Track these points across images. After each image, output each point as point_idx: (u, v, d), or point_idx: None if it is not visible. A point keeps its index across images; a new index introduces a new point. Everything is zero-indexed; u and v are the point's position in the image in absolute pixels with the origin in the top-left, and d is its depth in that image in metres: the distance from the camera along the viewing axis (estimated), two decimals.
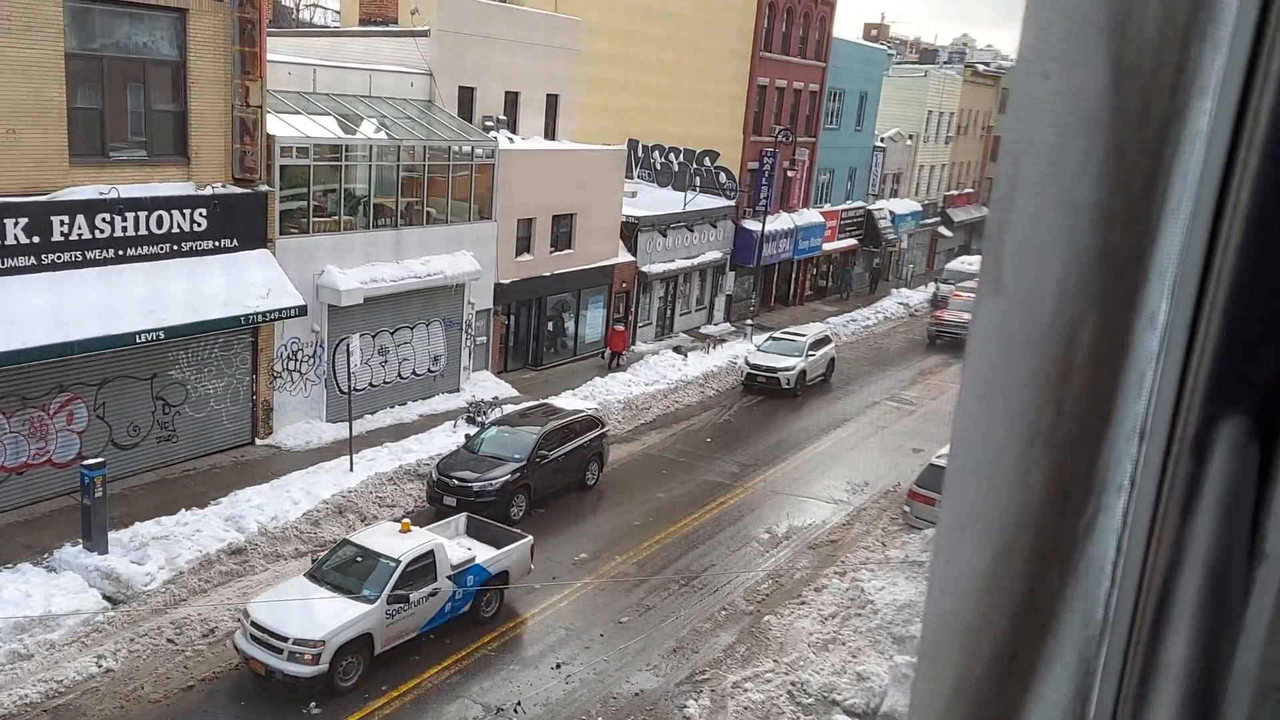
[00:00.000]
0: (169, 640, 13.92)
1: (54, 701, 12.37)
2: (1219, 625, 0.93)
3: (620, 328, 31.59)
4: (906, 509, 19.96)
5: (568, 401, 23.18)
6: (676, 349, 32.14)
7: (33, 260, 16.64)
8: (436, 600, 14.33)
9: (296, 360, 22.20)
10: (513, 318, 29.03)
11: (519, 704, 13.28)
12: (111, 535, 15.46)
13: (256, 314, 19.78)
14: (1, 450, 16.91)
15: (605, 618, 15.78)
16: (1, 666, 12.71)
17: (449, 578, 14.51)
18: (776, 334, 31.52)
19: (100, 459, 15.97)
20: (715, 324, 37.93)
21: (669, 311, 35.73)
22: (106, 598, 14.45)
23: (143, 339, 17.73)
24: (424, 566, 14.12)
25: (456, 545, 15.51)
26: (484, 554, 15.53)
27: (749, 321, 36.45)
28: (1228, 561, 0.84)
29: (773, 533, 19.67)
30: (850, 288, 46.15)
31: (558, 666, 14.34)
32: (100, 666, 13.10)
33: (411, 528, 15.22)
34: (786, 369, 28.89)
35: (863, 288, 47.07)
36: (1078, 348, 0.97)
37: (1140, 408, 1.09)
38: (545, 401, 22.84)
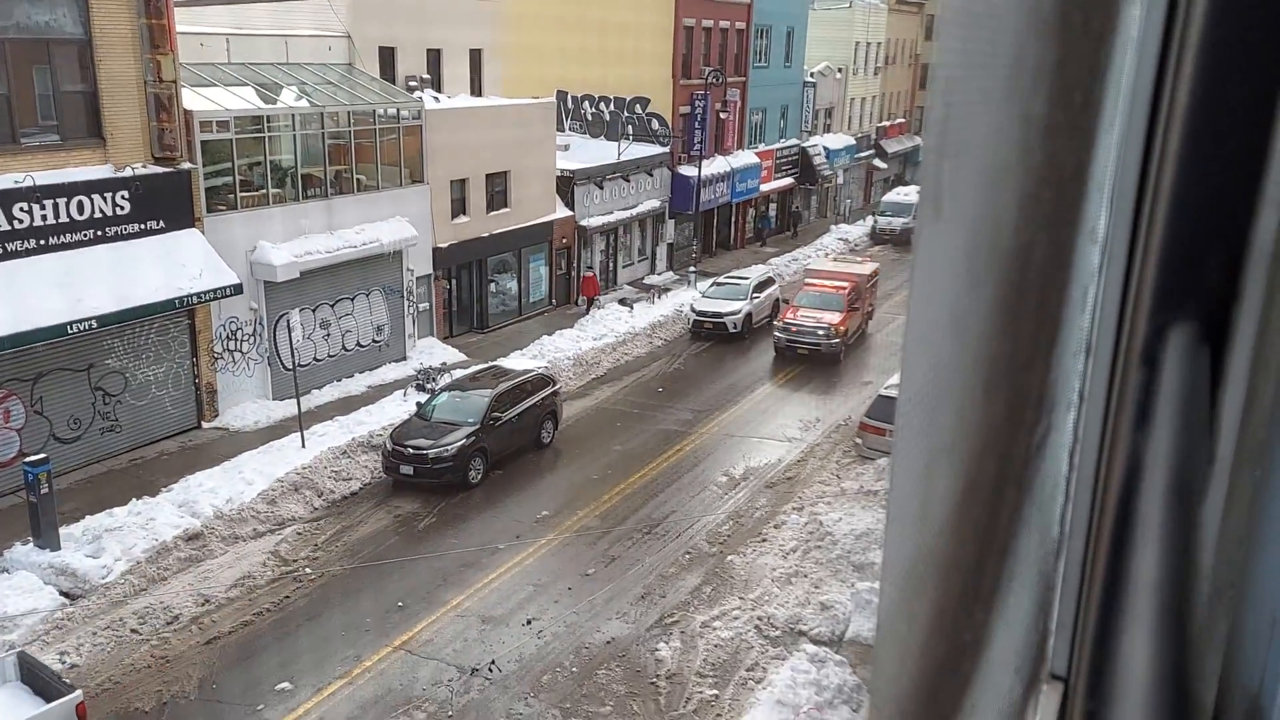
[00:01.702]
0: (133, 630, 13.77)
1: None
2: (1179, 530, 0.95)
3: (590, 274, 32.41)
4: (859, 441, 20.35)
5: (517, 362, 23.12)
6: (622, 301, 32.12)
7: None
8: None
9: (236, 340, 21.79)
10: (454, 282, 28.73)
11: (493, 662, 13.40)
12: (63, 530, 15.17)
13: (191, 295, 19.34)
14: None
15: (572, 571, 15.93)
16: None
17: None
18: (720, 279, 31.64)
19: (42, 455, 15.59)
20: (659, 274, 37.94)
21: (611, 264, 35.63)
22: (63, 594, 14.22)
23: (74, 329, 17.26)
24: None
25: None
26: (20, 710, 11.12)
27: (692, 269, 36.52)
28: (1187, 467, 0.85)
29: (730, 475, 19.93)
30: (796, 226, 46.33)
31: (528, 623, 14.48)
32: (64, 663, 12.92)
33: None
34: (732, 313, 29.06)
35: (806, 225, 47.30)
36: (1025, 268, 0.98)
37: (1085, 323, 1.11)
38: (495, 364, 22.75)
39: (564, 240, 32.68)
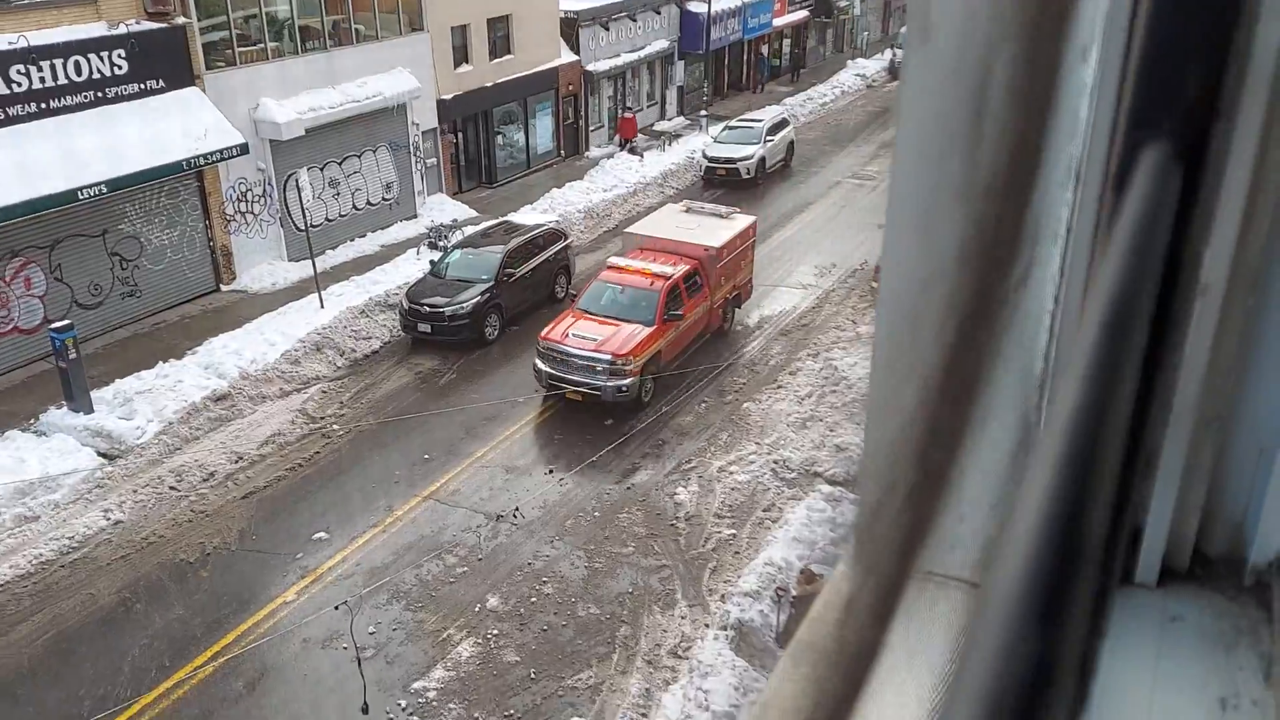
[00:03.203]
0: (171, 487, 14.33)
1: (69, 557, 12.85)
2: (1162, 363, 0.95)
3: (630, 115, 32.39)
4: (875, 285, 20.36)
5: (528, 216, 22.97)
6: (631, 149, 31.55)
7: None
8: None
9: (247, 201, 21.69)
10: (460, 135, 28.22)
11: (517, 509, 13.92)
12: (94, 394, 15.58)
13: (197, 157, 19.15)
14: None
15: (591, 421, 16.31)
16: (11, 530, 13.11)
17: None
18: (732, 123, 30.92)
19: (67, 321, 15.85)
20: (669, 119, 37.07)
21: (620, 111, 34.81)
22: (101, 454, 14.73)
23: (84, 195, 17.21)
24: None
25: None
26: None
27: (703, 112, 35.64)
28: (1168, 298, 0.83)
29: (744, 324, 20.07)
30: (798, 69, 44.79)
31: (550, 471, 14.95)
32: (108, 519, 13.53)
33: None
34: (745, 158, 28.53)
35: (820, 61, 45.73)
36: (1010, 91, 0.95)
37: (1075, 149, 1.08)
38: (505, 219, 22.60)
39: (570, 87, 31.83)
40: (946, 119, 0.96)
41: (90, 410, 15.37)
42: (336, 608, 11.02)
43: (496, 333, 19.23)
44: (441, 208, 26.17)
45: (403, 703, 10.66)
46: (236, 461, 15.04)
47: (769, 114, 31.40)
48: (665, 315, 16.67)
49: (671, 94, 37.53)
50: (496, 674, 11.10)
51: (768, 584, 12.13)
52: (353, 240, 23.95)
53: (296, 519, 13.86)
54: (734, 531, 13.57)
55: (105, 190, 17.55)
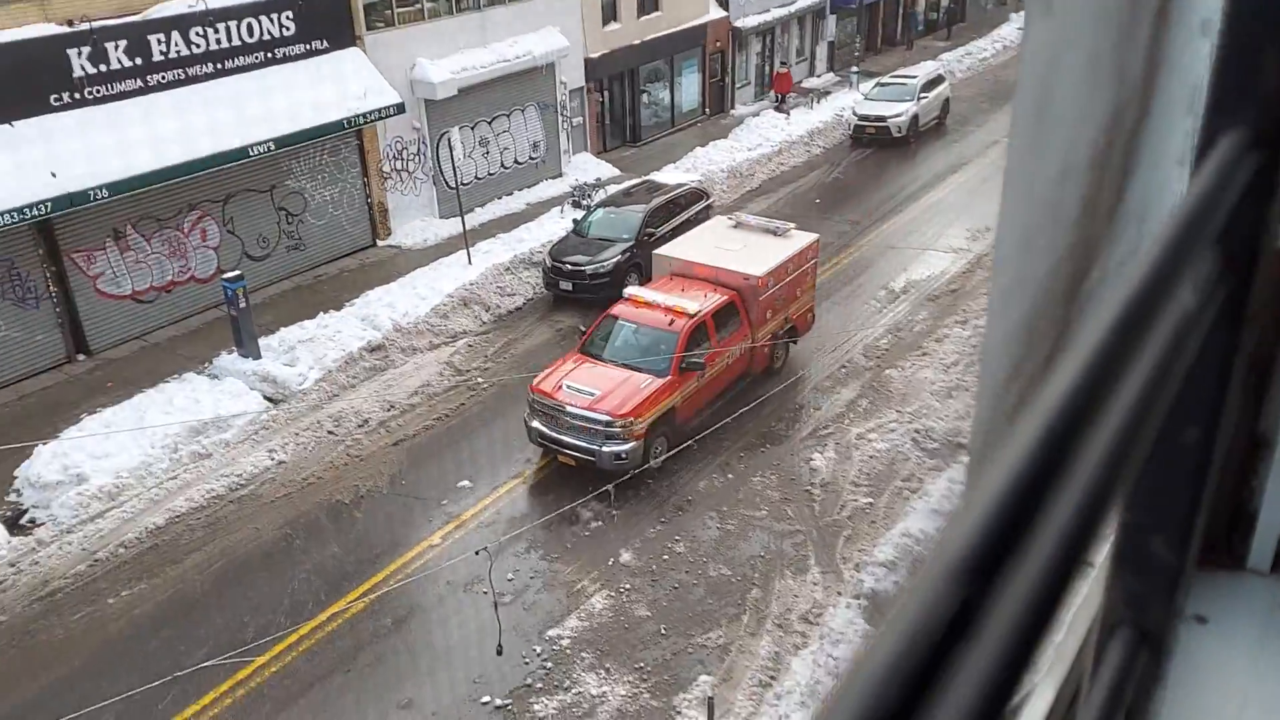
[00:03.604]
0: (329, 432, 15.14)
1: (238, 493, 13.80)
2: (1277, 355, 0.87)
3: (785, 69, 31.97)
4: None
5: (670, 175, 22.92)
6: (778, 108, 30.98)
7: (139, 83, 16.99)
8: None
9: (403, 159, 22.47)
10: (606, 94, 28.33)
11: (651, 463, 14.07)
12: (261, 341, 16.58)
13: (357, 116, 19.91)
14: (149, 271, 18.03)
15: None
16: (187, 466, 14.17)
17: None
18: (884, 79, 29.91)
19: (238, 271, 16.87)
20: (818, 76, 36.18)
21: (768, 68, 34.17)
22: (267, 398, 15.69)
23: (254, 152, 18.17)
24: None
25: None
26: None
27: (854, 69, 34.60)
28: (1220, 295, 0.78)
29: (889, 288, 19.55)
30: (960, 20, 42.75)
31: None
32: (272, 459, 14.44)
33: None
34: (897, 116, 27.59)
35: (983, 13, 43.57)
36: (1120, 65, 0.90)
37: (1189, 125, 1.01)
38: (648, 178, 22.64)
39: (717, 44, 31.45)
40: (1061, 91, 0.91)
41: (258, 356, 16.36)
42: (477, 553, 11.45)
43: None
44: (585, 166, 26.43)
45: (538, 648, 11.03)
46: (389, 410, 15.74)
47: (924, 70, 30.19)
48: (683, 364, 13.79)
49: (821, 50, 36.57)
50: (628, 627, 11.34)
51: (904, 555, 11.91)
52: (500, 198, 24.51)
53: (442, 466, 14.43)
54: (870, 500, 13.34)
55: (273, 147, 18.49)
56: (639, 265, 19.32)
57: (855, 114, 28.37)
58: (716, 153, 26.28)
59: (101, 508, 13.24)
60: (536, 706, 10.30)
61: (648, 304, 14.55)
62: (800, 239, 16.34)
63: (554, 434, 13.58)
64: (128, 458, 13.84)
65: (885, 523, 12.84)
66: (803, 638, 11.08)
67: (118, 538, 12.79)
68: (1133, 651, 0.90)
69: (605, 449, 13.15)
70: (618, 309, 14.76)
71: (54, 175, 15.37)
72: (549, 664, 10.84)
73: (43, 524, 13.01)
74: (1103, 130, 0.88)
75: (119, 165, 16.13)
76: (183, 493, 13.65)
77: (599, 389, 13.51)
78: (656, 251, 16.30)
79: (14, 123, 15.40)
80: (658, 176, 22.73)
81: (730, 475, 14.01)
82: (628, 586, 11.95)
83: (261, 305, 18.21)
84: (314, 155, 20.46)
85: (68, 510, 13.10)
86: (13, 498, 13.50)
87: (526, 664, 10.84)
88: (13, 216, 14.91)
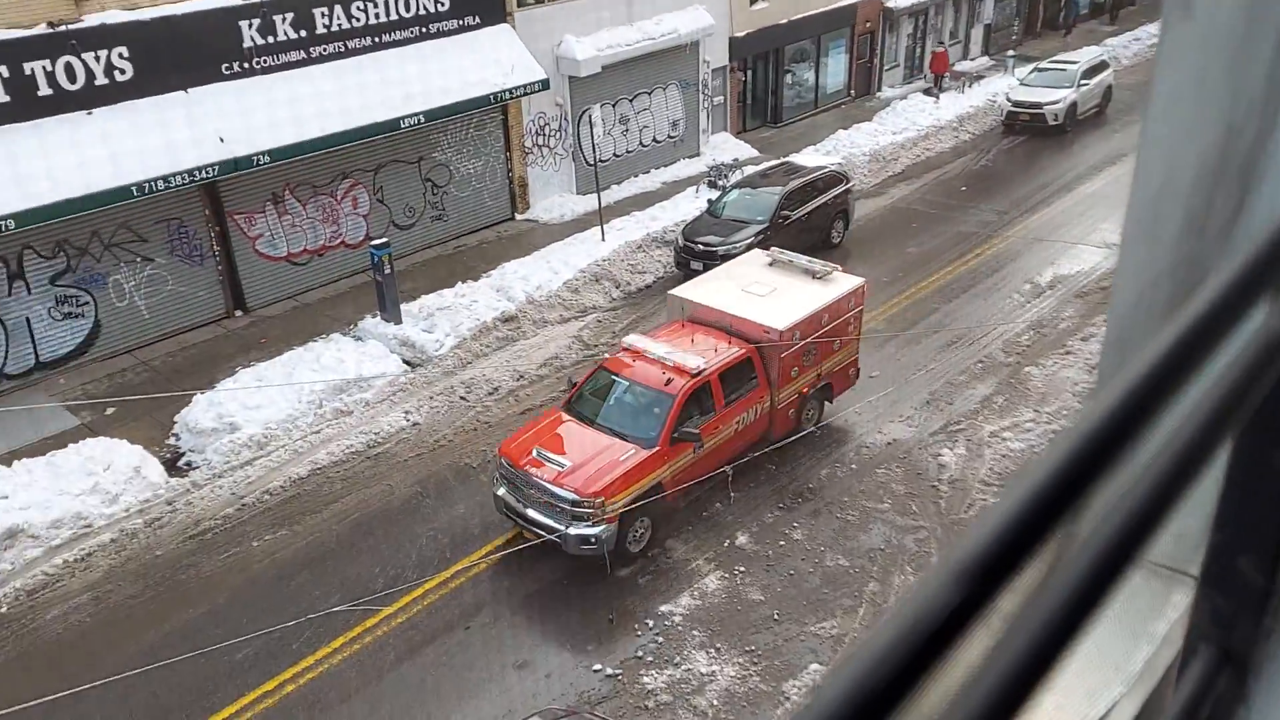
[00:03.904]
0: (461, 397, 15.64)
1: (374, 450, 14.43)
2: None
3: (942, 49, 31.15)
4: None
5: (810, 158, 22.57)
6: (927, 91, 30.05)
7: (302, 54, 17.82)
8: None
9: (544, 135, 22.86)
10: (749, 73, 28.06)
11: (772, 448, 13.99)
12: (403, 307, 17.23)
13: (503, 91, 20.36)
14: (303, 235, 18.97)
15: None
16: (329, 421, 14.89)
17: None
18: (1043, 64, 28.59)
19: (385, 239, 17.57)
20: (971, 59, 34.88)
21: (919, 50, 33.15)
22: (405, 362, 16.32)
23: (405, 124, 18.83)
24: None
25: None
26: None
27: (1010, 53, 33.22)
28: None
29: (1035, 283, 18.77)
30: (1129, 3, 40.38)
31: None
32: (407, 420, 15.02)
33: None
34: (1053, 103, 26.36)
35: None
36: (1245, 81, 0.85)
37: None
38: (786, 160, 22.35)
39: (867, 24, 30.69)
40: (1198, 97, 0.87)
41: (399, 321, 17.02)
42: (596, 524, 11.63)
43: None
44: (724, 146, 26.30)
45: (650, 622, 11.16)
46: (518, 379, 16.13)
47: (1086, 55, 28.69)
48: (675, 434, 11.83)
49: (977, 33, 35.22)
50: (740, 610, 11.34)
51: None
52: (636, 176, 24.66)
53: None
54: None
55: (423, 120, 19.12)
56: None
57: (1009, 100, 27.25)
58: (859, 136, 25.71)
59: (250, 456, 14.07)
60: (646, 679, 10.44)
61: (646, 357, 12.48)
62: (842, 283, 13.99)
63: (519, 507, 11.73)
64: (276, 410, 14.65)
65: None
66: None
67: (264, 485, 13.58)
68: (1216, 670, 0.87)
69: (571, 531, 11.24)
70: (612, 361, 12.89)
71: (222, 140, 16.31)
72: (660, 638, 10.95)
73: (197, 467, 13.93)
74: (1235, 137, 0.85)
75: (280, 133, 16.99)
76: (324, 447, 14.36)
77: (572, 459, 11.61)
78: (671, 292, 14.26)
79: (189, 90, 16.41)
80: (797, 159, 22.42)
81: (854, 465, 13.78)
82: (742, 569, 11.94)
83: (404, 272, 18.89)
84: (460, 129, 21.05)
85: (220, 456, 13.98)
86: (172, 441, 14.49)
87: (638, 636, 10.99)
88: (184, 178, 15.91)
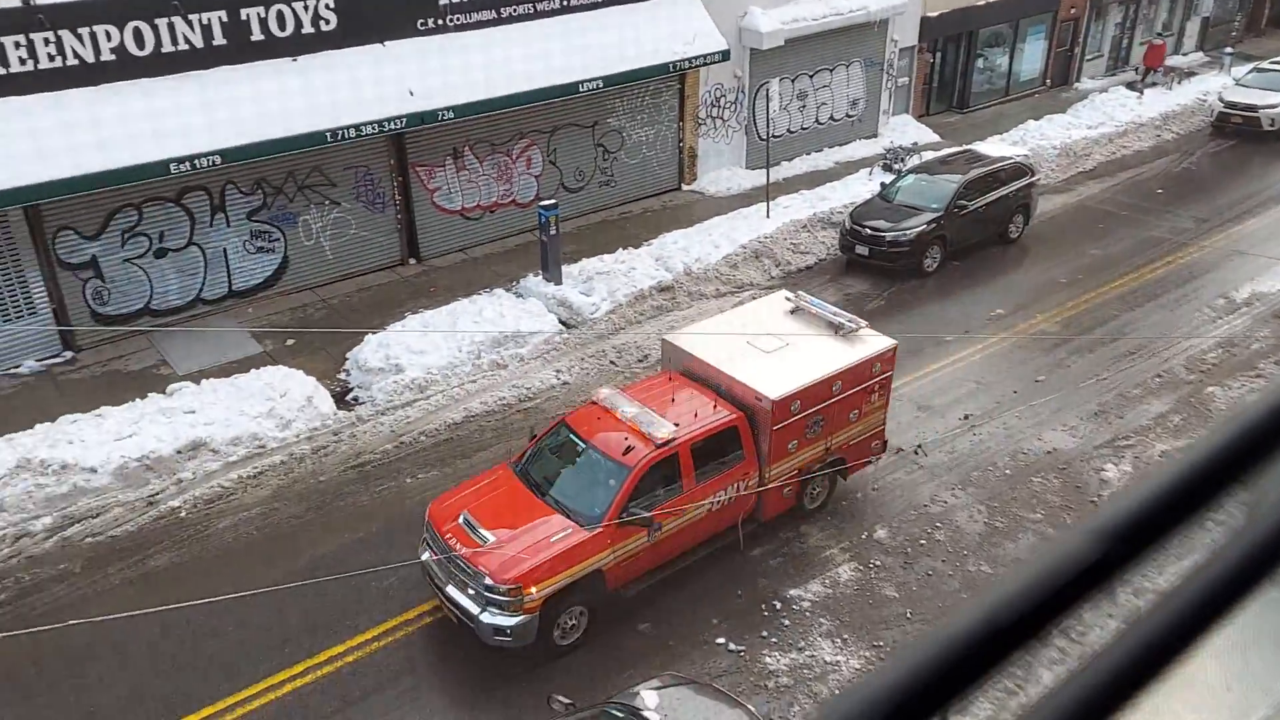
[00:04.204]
0: (611, 361, 15.89)
1: (525, 404, 14.86)
2: None
3: (1160, 42, 29.58)
4: None
5: (994, 147, 21.62)
6: (1130, 85, 28.18)
7: (493, 14, 18.31)
8: None
9: (719, 107, 22.75)
10: (938, 55, 27.03)
11: (920, 447, 13.60)
12: (564, 269, 17.60)
13: (683, 60, 20.36)
14: (478, 190, 19.61)
15: (1020, 375, 15.31)
16: (485, 372, 15.42)
17: None
18: (1263, 64, 26.33)
19: (553, 200, 17.95)
20: (1184, 54, 32.45)
21: (1126, 40, 31.09)
22: (562, 322, 16.70)
23: (585, 88, 19.11)
24: None
25: None
26: None
27: (1228, 50, 30.70)
28: None
29: (1229, 298, 17.43)
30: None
31: (965, 418, 14.35)
32: (558, 379, 15.39)
33: None
34: (1270, 106, 24.27)
35: None
36: None
37: None
38: (969, 148, 21.48)
39: (1072, 10, 28.99)
40: None
41: (559, 282, 17.41)
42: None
43: (936, 265, 18.59)
44: (904, 129, 25.49)
45: (777, 604, 11.11)
46: None
47: None
48: (623, 514, 10.17)
49: (1193, 25, 32.73)
50: (872, 604, 11.13)
51: None
52: (808, 154, 24.24)
53: None
54: None
55: (601, 85, 19.36)
56: (943, 239, 18.51)
57: (1221, 100, 25.27)
58: (1051, 128, 24.42)
59: (411, 397, 14.76)
60: (768, 659, 10.41)
61: (613, 416, 10.86)
62: (868, 344, 11.96)
63: (439, 579, 10.29)
64: (438, 357, 15.29)
65: (1176, 552, 11.63)
66: (1061, 653, 10.31)
67: (421, 426, 14.23)
68: None
69: (484, 619, 9.73)
70: (575, 416, 11.32)
71: (411, 94, 17.01)
72: (786, 621, 10.89)
73: (363, 403, 14.72)
74: None
75: (465, 90, 17.58)
76: (479, 396, 14.90)
77: (498, 533, 10.09)
78: (666, 336, 12.68)
79: (386, 43, 17.17)
80: (980, 147, 21.53)
81: (1008, 471, 13.24)
82: (878, 564, 11.70)
83: (569, 234, 19.27)
84: (637, 96, 21.20)
85: (384, 395, 14.73)
86: (342, 376, 15.36)
87: (765, 616, 10.96)
88: (374, 128, 16.70)
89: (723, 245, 18.65)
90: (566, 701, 8.71)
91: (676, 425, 10.65)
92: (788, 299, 12.86)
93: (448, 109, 17.41)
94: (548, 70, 18.58)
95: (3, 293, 15.01)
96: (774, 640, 10.66)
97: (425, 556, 10.49)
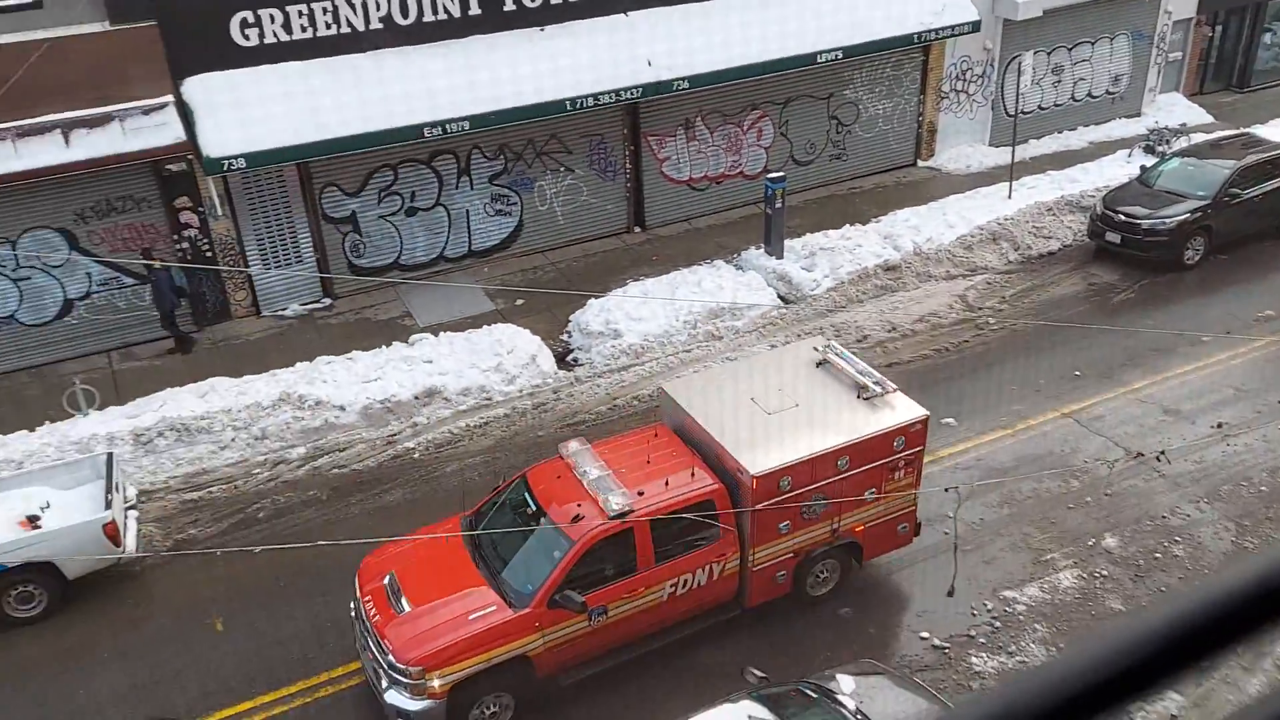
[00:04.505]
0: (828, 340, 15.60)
1: None
2: None
3: None
4: None
5: (1277, 131, 19.38)
6: None
7: None
8: None
9: (964, 80, 21.68)
10: (1218, 28, 24.46)
11: (1163, 453, 12.52)
12: (787, 243, 17.41)
13: (929, 31, 19.52)
14: (706, 161, 19.71)
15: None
16: (700, 342, 15.56)
17: None
18: None
19: (781, 173, 17.74)
20: None
21: None
22: (780, 297, 16.56)
23: (823, 59, 18.72)
24: None
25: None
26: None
27: None
28: None
29: None
30: None
31: (1218, 426, 13.09)
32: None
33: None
34: None
35: None
36: None
37: None
38: (1247, 131, 19.40)
39: None
40: None
41: (781, 256, 17.25)
42: (946, 490, 11.20)
43: (1198, 258, 16.98)
44: (1171, 108, 23.32)
45: (989, 604, 10.63)
46: (889, 331, 15.76)
47: None
48: (554, 596, 8.96)
49: None
50: (1095, 616, 10.43)
51: None
52: (1060, 132, 22.66)
53: (930, 398, 14.06)
54: None
55: (840, 56, 18.88)
56: (1209, 230, 16.87)
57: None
58: None
59: (627, 362, 15.14)
60: (974, 660, 10.00)
61: (574, 476, 9.58)
62: (893, 414, 10.17)
63: (360, 644, 9.46)
64: (655, 324, 15.58)
65: None
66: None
67: (634, 390, 14.58)
68: None
69: (388, 697, 8.82)
70: (536, 471, 10.05)
71: (649, 64, 17.27)
72: (997, 623, 10.40)
73: (582, 364, 15.25)
74: None
75: (701, 60, 17.64)
76: (692, 365, 15.06)
77: (416, 601, 9.10)
78: (664, 384, 11.12)
79: (629, 13, 17.50)
80: (1260, 130, 19.39)
81: (1264, 488, 11.98)
82: (1104, 574, 10.93)
83: (794, 208, 19.01)
84: (876, 67, 20.55)
85: (602, 358, 15.19)
86: (564, 337, 15.96)
87: (974, 616, 10.52)
88: (612, 97, 17.10)
89: (957, 225, 17.83)
90: (761, 675, 8.73)
91: (641, 494, 9.27)
92: (816, 349, 11.02)
93: (683, 79, 17.55)
94: (784, 41, 18.32)
95: (276, 242, 16.61)
96: (982, 640, 10.23)
97: (353, 613, 9.63)
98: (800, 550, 10.02)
